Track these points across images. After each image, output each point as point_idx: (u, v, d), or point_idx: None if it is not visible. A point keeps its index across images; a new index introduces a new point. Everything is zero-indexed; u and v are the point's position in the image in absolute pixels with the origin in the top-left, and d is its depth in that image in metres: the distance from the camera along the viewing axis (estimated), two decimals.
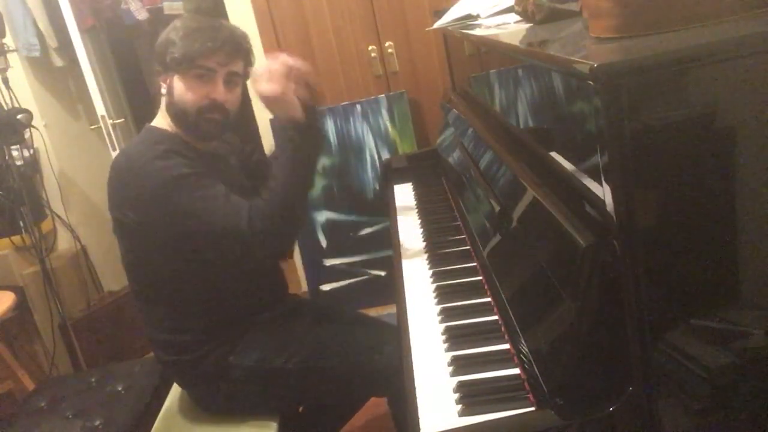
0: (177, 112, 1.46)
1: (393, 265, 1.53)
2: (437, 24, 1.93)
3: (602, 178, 0.81)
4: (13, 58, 2.73)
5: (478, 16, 1.68)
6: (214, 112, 1.44)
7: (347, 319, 1.72)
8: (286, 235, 1.47)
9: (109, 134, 2.84)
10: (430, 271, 1.44)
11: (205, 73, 1.42)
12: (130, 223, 1.44)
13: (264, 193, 1.40)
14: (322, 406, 1.74)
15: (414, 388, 1.04)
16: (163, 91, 1.48)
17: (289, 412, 1.64)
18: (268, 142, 2.82)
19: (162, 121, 1.50)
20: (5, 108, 2.60)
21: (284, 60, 1.37)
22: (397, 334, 1.31)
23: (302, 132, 1.39)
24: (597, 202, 0.87)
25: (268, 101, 1.37)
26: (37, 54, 2.84)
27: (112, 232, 1.51)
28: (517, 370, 1.02)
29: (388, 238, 1.87)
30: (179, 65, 1.41)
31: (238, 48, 1.45)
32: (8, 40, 2.69)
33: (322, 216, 2.81)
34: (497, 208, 1.29)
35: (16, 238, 2.62)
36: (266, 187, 1.40)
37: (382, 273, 1.52)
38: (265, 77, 1.36)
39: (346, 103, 2.74)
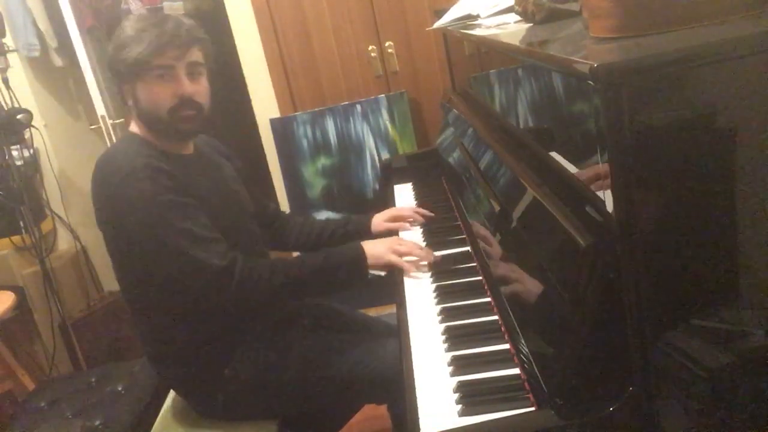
0: (150, 119, 1.42)
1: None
2: (437, 24, 1.93)
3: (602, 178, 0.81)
4: (13, 58, 2.73)
5: (478, 16, 1.68)
6: (186, 108, 1.40)
7: (345, 324, 1.70)
8: (253, 302, 1.44)
9: (109, 134, 2.84)
10: (430, 271, 1.44)
11: (164, 72, 1.37)
12: (113, 239, 1.41)
13: (265, 267, 1.38)
14: (321, 410, 1.73)
15: (414, 388, 1.04)
16: (130, 102, 1.43)
17: (289, 416, 1.62)
18: (267, 141, 2.83)
19: (138, 129, 1.46)
20: (5, 108, 2.60)
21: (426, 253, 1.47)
22: (396, 335, 1.31)
23: (358, 271, 1.44)
24: (597, 202, 0.87)
25: (391, 252, 1.45)
26: (37, 54, 2.84)
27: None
28: (517, 370, 1.02)
29: None
30: (136, 71, 1.37)
31: (190, 37, 1.40)
32: (8, 40, 2.69)
33: (322, 216, 2.80)
34: (497, 208, 1.29)
35: (16, 238, 2.61)
36: (276, 264, 1.41)
37: (382, 273, 1.52)
38: (414, 249, 1.46)
39: (346, 103, 2.74)
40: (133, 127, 1.48)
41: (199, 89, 1.43)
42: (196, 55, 1.41)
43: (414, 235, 1.68)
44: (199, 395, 1.53)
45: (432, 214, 1.73)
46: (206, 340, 1.47)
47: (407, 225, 1.73)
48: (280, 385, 1.48)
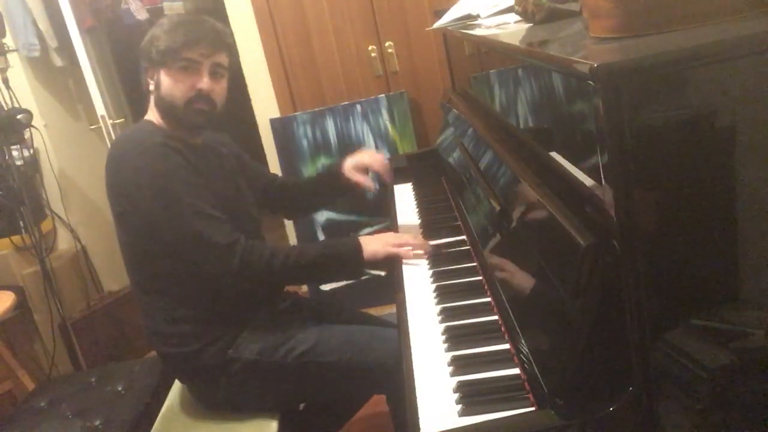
0: (165, 106, 1.50)
1: (393, 265, 1.53)
2: (437, 24, 1.93)
3: (602, 178, 0.81)
4: (13, 58, 2.73)
5: (478, 16, 1.68)
6: (201, 102, 1.48)
7: (347, 316, 1.73)
8: (253, 283, 1.49)
9: (109, 134, 2.84)
10: (430, 271, 1.44)
11: (189, 64, 1.46)
12: (124, 211, 1.46)
13: (266, 250, 1.43)
14: (322, 403, 1.74)
15: (414, 388, 1.04)
16: (151, 87, 1.52)
17: (290, 409, 1.64)
18: (267, 141, 2.83)
19: (153, 117, 1.54)
20: (5, 108, 2.60)
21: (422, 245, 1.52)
22: (397, 331, 1.31)
23: (354, 264, 1.49)
24: (597, 202, 0.87)
25: (390, 245, 1.51)
26: (37, 54, 2.84)
27: (113, 219, 1.52)
28: (517, 370, 1.02)
29: None
30: (164, 59, 1.46)
31: (220, 40, 1.50)
32: (8, 40, 2.69)
33: (322, 216, 2.81)
34: (497, 208, 1.28)
35: (16, 238, 2.61)
36: (276, 249, 1.45)
37: (382, 273, 1.53)
38: (412, 239, 1.52)
39: (346, 103, 2.74)
40: (149, 115, 1.56)
41: (217, 89, 1.51)
42: (223, 58, 1.51)
43: (414, 234, 1.67)
44: (202, 378, 1.54)
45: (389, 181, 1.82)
46: (212, 320, 1.51)
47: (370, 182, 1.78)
48: (282, 369, 1.50)
